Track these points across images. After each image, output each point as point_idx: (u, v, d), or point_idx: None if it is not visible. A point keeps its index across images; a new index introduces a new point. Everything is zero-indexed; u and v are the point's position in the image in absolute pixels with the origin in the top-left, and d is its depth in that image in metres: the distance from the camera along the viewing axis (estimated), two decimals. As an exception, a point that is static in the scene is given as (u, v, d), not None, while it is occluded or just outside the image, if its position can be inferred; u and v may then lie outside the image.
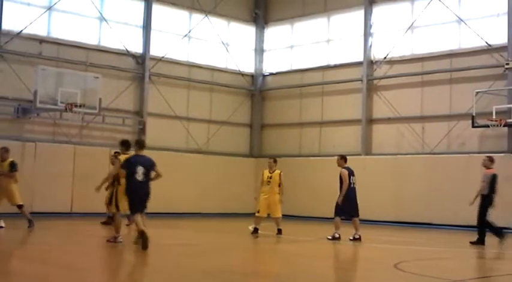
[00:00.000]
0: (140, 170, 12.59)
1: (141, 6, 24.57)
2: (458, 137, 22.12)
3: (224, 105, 26.99)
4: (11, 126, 21.30)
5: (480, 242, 15.41)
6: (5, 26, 21.11)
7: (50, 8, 22.14)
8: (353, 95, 24.94)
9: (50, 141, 21.82)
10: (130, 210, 12.88)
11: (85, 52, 22.93)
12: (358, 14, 24.98)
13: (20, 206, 16.26)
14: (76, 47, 22.71)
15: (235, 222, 21.64)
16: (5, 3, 21.12)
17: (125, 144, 13.77)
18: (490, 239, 15.75)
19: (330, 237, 15.60)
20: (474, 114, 20.76)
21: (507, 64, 20.74)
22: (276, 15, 28.04)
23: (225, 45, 27.12)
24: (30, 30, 21.63)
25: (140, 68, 24.42)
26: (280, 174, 16.51)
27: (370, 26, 24.71)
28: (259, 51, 28.35)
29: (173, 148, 24.84)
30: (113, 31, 23.66)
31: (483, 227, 15.49)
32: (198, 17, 26.21)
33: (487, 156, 16.32)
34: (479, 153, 21.32)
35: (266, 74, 28.31)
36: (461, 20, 22.20)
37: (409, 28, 23.57)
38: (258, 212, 16.59)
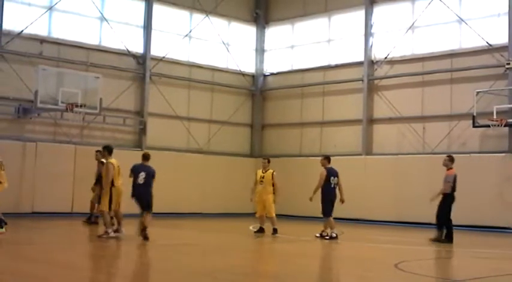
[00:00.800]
0: (142, 176, 14.58)
1: (142, 6, 24.57)
2: (459, 137, 22.11)
3: (225, 105, 26.99)
4: (11, 126, 21.30)
5: (450, 239, 15.47)
6: (5, 26, 21.11)
7: (50, 8, 22.15)
8: (354, 95, 24.93)
9: (51, 141, 21.82)
10: (141, 208, 14.65)
11: (86, 52, 22.93)
12: (359, 14, 24.97)
13: None
14: (77, 47, 22.71)
15: (236, 222, 21.64)
16: (5, 3, 21.12)
17: (108, 149, 15.08)
18: (491, 239, 15.72)
19: (326, 237, 15.78)
20: (475, 114, 20.74)
21: (508, 64, 20.71)
22: (277, 15, 28.04)
23: (225, 45, 27.13)
24: (31, 30, 21.64)
25: (141, 68, 24.42)
26: (273, 174, 16.65)
27: (371, 26, 24.70)
28: (260, 51, 28.34)
29: (174, 148, 24.85)
30: (113, 31, 23.66)
31: (449, 224, 15.62)
32: (198, 17, 26.21)
33: (448, 156, 16.43)
34: (480, 153, 21.34)
35: (267, 74, 28.30)
36: (462, 20, 22.19)
37: (409, 28, 23.56)
38: (257, 213, 16.88)
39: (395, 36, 23.97)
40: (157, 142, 24.29)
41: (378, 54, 24.50)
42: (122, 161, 18.08)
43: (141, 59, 24.44)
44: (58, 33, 22.42)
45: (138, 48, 24.46)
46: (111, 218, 14.98)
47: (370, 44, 24.62)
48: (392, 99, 23.83)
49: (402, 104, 23.58)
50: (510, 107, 20.61)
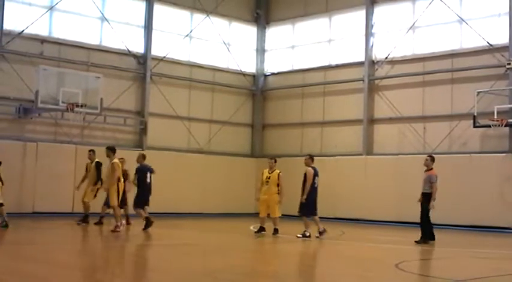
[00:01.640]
0: (148, 175, 17.07)
1: (143, 6, 24.58)
2: (459, 137, 22.10)
3: (226, 105, 26.99)
4: (12, 126, 21.31)
5: (431, 237, 15.50)
6: (6, 26, 21.13)
7: (51, 8, 22.16)
8: (354, 95, 24.93)
9: (52, 141, 21.83)
10: (141, 204, 16.80)
11: (86, 52, 22.95)
12: (360, 14, 24.97)
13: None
14: (77, 47, 22.72)
15: (236, 222, 21.64)
16: (6, 3, 21.13)
17: (113, 149, 16.40)
18: (491, 239, 15.71)
19: (299, 236, 15.96)
20: (475, 114, 20.74)
21: (508, 64, 20.71)
22: (278, 15, 28.04)
23: (226, 45, 27.13)
24: (32, 30, 21.65)
25: (141, 68, 24.43)
26: (279, 175, 16.66)
27: (372, 26, 24.70)
28: (261, 51, 28.34)
29: (174, 148, 24.85)
30: (114, 31, 23.67)
31: (429, 224, 15.64)
32: (199, 17, 26.22)
33: (429, 156, 16.41)
34: (480, 153, 21.33)
35: (268, 74, 28.31)
36: (463, 20, 22.18)
37: (410, 28, 23.56)
38: (260, 213, 16.90)
39: (396, 36, 23.97)
40: (157, 142, 24.30)
41: (378, 54, 24.50)
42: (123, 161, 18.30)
43: (142, 59, 24.45)
44: (59, 33, 22.43)
45: (138, 48, 24.47)
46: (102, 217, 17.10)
47: (371, 44, 24.62)
48: (393, 99, 23.82)
49: (403, 104, 23.58)
50: (511, 107, 20.60)
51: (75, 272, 9.96)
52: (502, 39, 21.23)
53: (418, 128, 23.14)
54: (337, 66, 25.72)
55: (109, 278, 9.77)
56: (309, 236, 15.90)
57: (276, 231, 16.49)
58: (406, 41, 23.75)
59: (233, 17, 27.52)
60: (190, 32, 26.00)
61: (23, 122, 21.50)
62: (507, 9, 21.05)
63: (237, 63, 27.45)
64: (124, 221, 16.85)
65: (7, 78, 21.05)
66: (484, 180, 20.59)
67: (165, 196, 21.70)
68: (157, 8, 24.83)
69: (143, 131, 24.16)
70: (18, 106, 21.22)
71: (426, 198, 15.64)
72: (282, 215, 16.99)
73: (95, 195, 18.07)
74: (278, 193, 16.60)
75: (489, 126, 20.52)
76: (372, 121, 24.48)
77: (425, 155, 22.22)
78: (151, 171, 17.20)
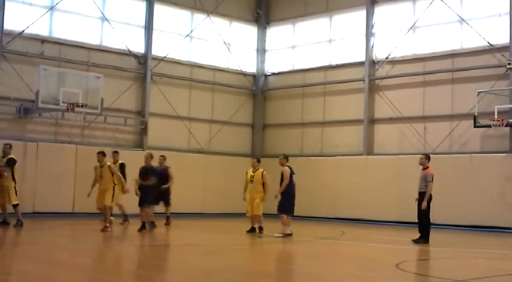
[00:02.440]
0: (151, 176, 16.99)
1: (143, 6, 24.58)
2: (460, 137, 22.10)
3: (226, 105, 27.00)
4: (12, 126, 21.32)
5: (426, 237, 15.55)
6: (7, 26, 21.13)
7: (51, 8, 22.16)
8: (355, 95, 24.93)
9: (52, 141, 21.84)
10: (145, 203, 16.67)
11: (87, 52, 22.95)
12: (360, 14, 24.97)
13: (15, 205, 16.44)
14: (78, 47, 22.73)
15: (237, 222, 21.61)
16: (7, 3, 21.13)
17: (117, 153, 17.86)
18: (491, 239, 15.71)
19: (279, 235, 16.02)
20: (476, 114, 20.73)
21: (509, 64, 20.70)
22: (278, 15, 28.04)
23: (226, 45, 27.13)
24: (32, 30, 21.65)
25: (142, 68, 24.43)
26: (263, 173, 16.83)
27: (372, 26, 24.70)
28: (261, 51, 28.35)
29: (175, 148, 24.84)
30: (114, 31, 23.68)
31: (429, 223, 15.67)
32: (199, 17, 26.23)
33: (425, 155, 16.40)
34: (481, 153, 21.33)
35: (268, 74, 28.31)
36: (463, 20, 22.18)
37: (411, 28, 23.55)
38: (247, 212, 17.05)
39: (397, 36, 23.97)
40: (158, 142, 24.30)
41: (379, 54, 24.51)
42: (123, 161, 18.36)
43: (142, 59, 24.46)
44: (59, 33, 22.44)
45: (139, 48, 24.47)
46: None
47: (371, 44, 24.62)
48: (394, 99, 23.83)
49: (403, 104, 23.58)
50: (511, 107, 20.60)
51: (75, 272, 9.96)
52: (502, 39, 21.23)
53: (418, 128, 23.14)
54: (338, 66, 25.72)
55: (110, 278, 9.77)
56: (291, 234, 16.09)
57: (260, 229, 16.69)
58: (407, 41, 23.75)
59: (233, 17, 27.52)
60: (191, 32, 26.01)
61: (23, 122, 21.50)
62: (507, 9, 21.05)
63: (237, 63, 27.45)
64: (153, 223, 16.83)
65: (7, 78, 21.06)
66: (484, 180, 20.59)
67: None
68: (158, 8, 24.84)
69: (144, 131, 24.17)
70: (19, 106, 21.23)
71: (423, 197, 15.65)
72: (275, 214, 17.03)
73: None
74: (264, 192, 16.71)
75: (489, 126, 20.52)
76: (372, 121, 24.48)
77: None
78: (154, 173, 16.85)
